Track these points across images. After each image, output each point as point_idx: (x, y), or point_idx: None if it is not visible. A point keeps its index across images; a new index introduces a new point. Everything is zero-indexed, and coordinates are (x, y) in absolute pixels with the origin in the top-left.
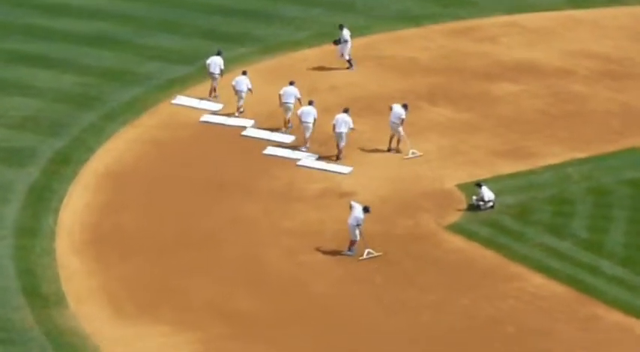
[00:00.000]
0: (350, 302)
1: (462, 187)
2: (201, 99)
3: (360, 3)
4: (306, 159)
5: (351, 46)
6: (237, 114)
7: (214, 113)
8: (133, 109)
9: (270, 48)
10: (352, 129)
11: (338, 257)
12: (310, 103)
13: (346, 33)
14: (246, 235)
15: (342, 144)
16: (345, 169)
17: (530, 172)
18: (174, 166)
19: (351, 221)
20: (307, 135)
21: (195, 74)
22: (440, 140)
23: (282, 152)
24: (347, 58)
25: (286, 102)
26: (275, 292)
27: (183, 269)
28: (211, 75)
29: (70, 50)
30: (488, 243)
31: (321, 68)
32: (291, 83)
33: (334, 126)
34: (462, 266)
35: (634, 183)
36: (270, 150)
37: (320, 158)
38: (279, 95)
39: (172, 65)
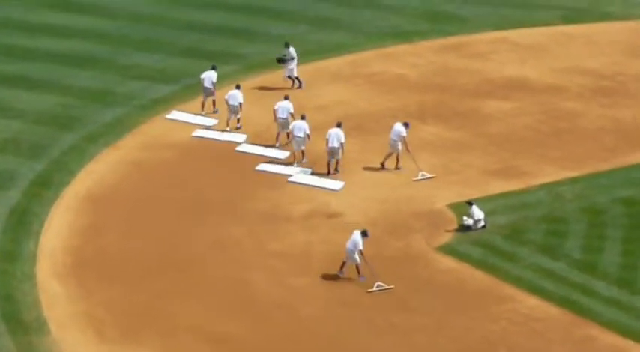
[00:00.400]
0: (339, 325)
1: (453, 207)
2: (197, 114)
3: (347, 19)
4: (298, 175)
5: (297, 64)
6: (228, 129)
7: (208, 128)
8: (114, 130)
9: (254, 66)
10: (342, 143)
11: (326, 279)
12: (302, 118)
13: (292, 51)
14: (232, 257)
15: (338, 158)
16: (336, 185)
17: (523, 191)
18: (158, 188)
19: (349, 245)
20: (302, 148)
21: (178, 93)
22: (430, 159)
23: (275, 168)
24: (295, 75)
25: (281, 118)
26: (262, 316)
27: (167, 292)
28: (205, 90)
29: (52, 70)
30: (479, 263)
31: (308, 86)
32: (286, 98)
33: (327, 141)
34: (454, 287)
35: (628, 201)
36: (263, 167)
37: (313, 173)
38: (274, 110)
39: (155, 84)
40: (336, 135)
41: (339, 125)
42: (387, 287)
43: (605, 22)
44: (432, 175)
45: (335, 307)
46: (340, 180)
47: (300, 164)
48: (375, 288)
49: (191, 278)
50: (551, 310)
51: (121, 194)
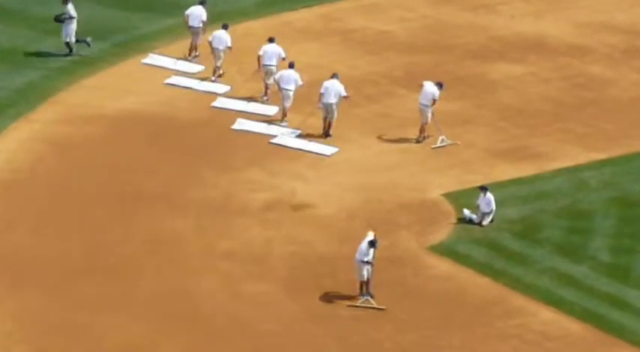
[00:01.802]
0: (306, 344)
1: (451, 197)
2: (178, 58)
3: None
4: (283, 136)
5: (76, 26)
6: (213, 77)
7: (189, 76)
8: (26, 99)
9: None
10: (346, 97)
11: (291, 286)
12: (291, 66)
13: (71, 7)
14: (173, 260)
15: (332, 118)
16: (329, 150)
17: (538, 178)
18: (81, 172)
19: (357, 255)
20: (287, 105)
21: (107, 53)
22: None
23: (255, 127)
24: (67, 39)
25: (268, 65)
26: (210, 332)
27: (92, 303)
28: (190, 29)
29: None
30: (483, 268)
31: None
32: (271, 40)
33: (322, 96)
34: (451, 297)
35: None
36: (241, 124)
37: (301, 135)
38: (259, 56)
39: (79, 42)
40: (333, 89)
41: (334, 76)
42: (377, 306)
43: None
44: (456, 141)
45: (300, 321)
46: (309, 164)
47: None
48: (358, 304)
49: (122, 285)
50: (572, 326)
51: (35, 179)
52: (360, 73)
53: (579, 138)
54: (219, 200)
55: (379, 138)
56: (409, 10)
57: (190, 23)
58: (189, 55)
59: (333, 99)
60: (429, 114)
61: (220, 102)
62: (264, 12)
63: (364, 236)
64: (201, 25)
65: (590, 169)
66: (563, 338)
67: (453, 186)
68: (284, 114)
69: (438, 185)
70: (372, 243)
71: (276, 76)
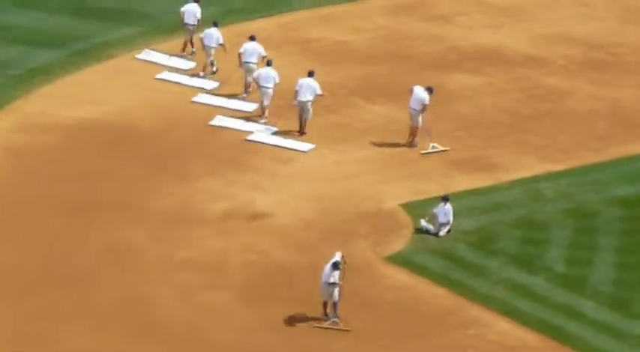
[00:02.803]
0: None
1: (408, 207)
2: (172, 55)
3: None
4: (259, 133)
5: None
6: (202, 73)
7: (181, 72)
8: None
9: (163, 28)
10: (320, 95)
11: (247, 296)
12: (269, 64)
13: None
14: (130, 270)
15: (307, 117)
16: (305, 146)
17: (494, 188)
18: (37, 181)
19: (322, 277)
20: (266, 102)
21: (65, 61)
22: (379, 147)
23: (233, 123)
24: None
25: (248, 63)
26: (166, 341)
27: (47, 314)
28: (185, 26)
29: None
30: (440, 278)
31: (232, 54)
32: (252, 38)
33: (297, 94)
34: (407, 308)
35: (624, 201)
36: (219, 121)
37: (277, 133)
38: (239, 54)
39: (35, 50)
40: (308, 87)
41: (311, 74)
42: (344, 328)
43: None
44: (445, 148)
45: (257, 332)
46: (265, 174)
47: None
48: (325, 326)
49: (78, 296)
50: (528, 336)
51: None
52: (318, 83)
53: (536, 150)
54: (176, 209)
55: (337, 148)
56: (367, 20)
57: (186, 20)
58: (183, 51)
59: (307, 97)
60: (420, 119)
61: (200, 98)
62: (223, 22)
63: (321, 247)
64: (195, 22)
65: (546, 180)
66: (519, 349)
67: (410, 197)
68: (263, 112)
69: (395, 195)
70: (335, 265)
71: (255, 74)
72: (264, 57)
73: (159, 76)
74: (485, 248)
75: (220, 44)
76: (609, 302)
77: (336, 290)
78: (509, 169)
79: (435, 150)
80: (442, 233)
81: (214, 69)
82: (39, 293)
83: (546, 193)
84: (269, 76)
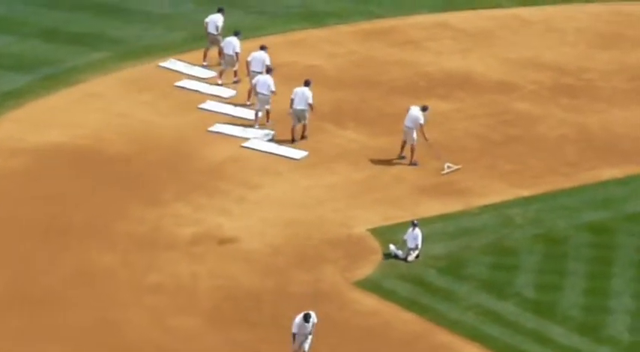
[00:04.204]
0: None
1: (377, 232)
2: (194, 65)
3: None
4: (254, 140)
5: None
6: (220, 81)
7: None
8: None
9: (131, 53)
10: (310, 104)
11: (216, 320)
12: (267, 72)
13: None
14: (99, 293)
15: (305, 122)
16: (298, 154)
17: (464, 214)
18: (7, 205)
19: (293, 329)
20: (263, 109)
21: (35, 85)
22: (349, 172)
23: (230, 130)
24: None
25: (255, 71)
26: None
27: (18, 335)
28: (209, 36)
29: None
30: (409, 303)
31: (198, 79)
32: (262, 48)
33: (292, 102)
34: (376, 333)
35: (594, 227)
36: (218, 128)
37: (272, 140)
38: (247, 62)
39: (5, 74)
40: (302, 96)
41: (307, 83)
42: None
43: (568, 5)
44: (458, 166)
45: None
46: (233, 199)
47: (263, 126)
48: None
49: (47, 319)
50: None
51: None
52: (287, 107)
53: (505, 175)
54: (146, 234)
55: (306, 173)
56: (337, 45)
57: (209, 30)
58: (204, 60)
59: (303, 106)
60: (415, 136)
61: (207, 105)
62: (193, 46)
63: (289, 272)
64: (217, 32)
65: (515, 206)
66: None
67: (379, 222)
68: (259, 118)
69: (364, 220)
70: (306, 317)
71: (253, 81)
72: (267, 66)
73: (177, 84)
74: (454, 273)
75: (236, 53)
76: (579, 327)
77: (309, 340)
78: (479, 194)
79: (451, 170)
80: (411, 258)
81: (219, 82)
82: (8, 316)
83: (516, 219)
84: (265, 83)
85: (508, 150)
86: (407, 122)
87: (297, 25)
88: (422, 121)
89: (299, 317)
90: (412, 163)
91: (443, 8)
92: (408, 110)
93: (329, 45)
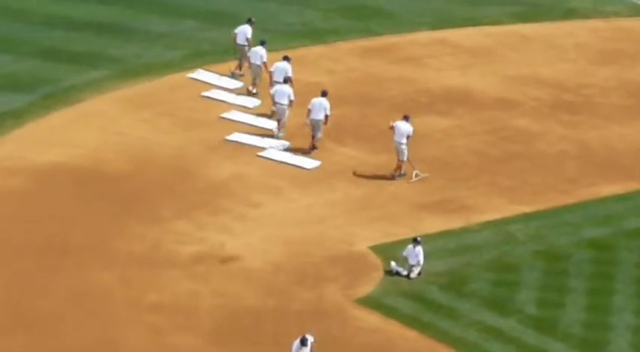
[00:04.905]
0: None
1: (378, 249)
2: (223, 75)
3: (247, 14)
4: (270, 150)
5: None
6: (253, 90)
7: (229, 91)
8: None
9: (130, 71)
10: (327, 115)
11: (218, 339)
12: (286, 82)
13: None
14: (99, 313)
15: (319, 134)
16: (311, 164)
17: (465, 230)
18: (6, 224)
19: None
20: (283, 119)
21: (34, 105)
22: (349, 189)
23: (247, 139)
24: None
25: (276, 82)
26: None
27: None
28: (237, 46)
29: None
30: (411, 320)
31: (197, 97)
32: (286, 58)
33: (309, 112)
34: (378, 350)
35: (594, 244)
36: (235, 137)
37: (288, 149)
38: (271, 72)
39: (3, 93)
40: (320, 106)
41: (324, 94)
42: None
43: (568, 21)
44: (426, 174)
45: None
46: (234, 217)
47: (275, 136)
48: None
49: (46, 339)
50: None
51: None
52: (288, 125)
53: (506, 191)
54: (146, 252)
55: (307, 190)
56: (337, 62)
57: (238, 41)
58: (240, 70)
59: (319, 116)
60: (406, 151)
61: (230, 115)
62: (191, 64)
63: (290, 290)
64: (246, 42)
65: (516, 222)
66: None
67: (380, 239)
68: (279, 128)
69: (365, 237)
70: (302, 341)
71: (272, 91)
72: (288, 76)
73: (205, 93)
74: (456, 290)
75: (263, 62)
76: (580, 344)
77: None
78: (479, 211)
79: (418, 178)
80: (413, 275)
81: (254, 91)
82: (6, 337)
83: (517, 235)
84: (284, 93)
85: (508, 167)
86: (397, 138)
87: (298, 42)
88: (411, 132)
89: (296, 342)
90: (399, 174)
91: (442, 25)
92: (392, 127)
93: (329, 62)
